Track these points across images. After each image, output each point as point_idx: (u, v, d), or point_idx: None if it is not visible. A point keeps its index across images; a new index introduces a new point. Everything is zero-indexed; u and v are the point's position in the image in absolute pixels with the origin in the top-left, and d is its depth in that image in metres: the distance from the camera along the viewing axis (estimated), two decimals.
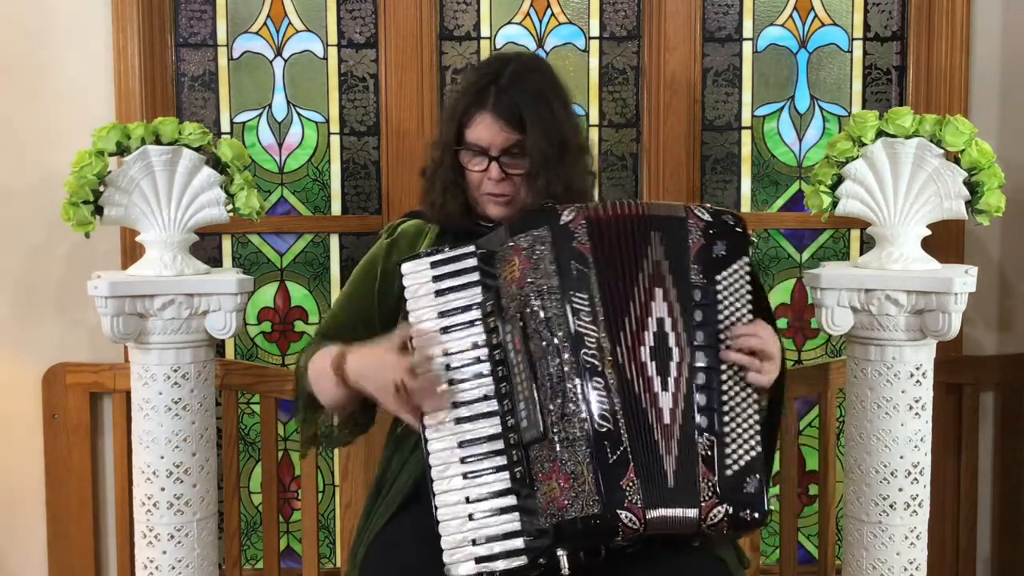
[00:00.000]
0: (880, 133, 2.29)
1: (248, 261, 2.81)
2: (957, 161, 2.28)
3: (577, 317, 1.68)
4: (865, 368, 2.34)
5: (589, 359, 1.66)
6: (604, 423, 1.64)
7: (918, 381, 2.32)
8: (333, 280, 2.81)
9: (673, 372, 1.69)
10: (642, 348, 1.70)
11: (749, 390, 1.73)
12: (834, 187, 2.33)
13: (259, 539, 2.78)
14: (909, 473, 2.32)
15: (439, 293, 1.79)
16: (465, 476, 1.71)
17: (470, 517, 1.69)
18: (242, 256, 2.81)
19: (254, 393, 2.74)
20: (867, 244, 2.72)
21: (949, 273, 2.28)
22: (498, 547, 1.67)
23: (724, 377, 1.72)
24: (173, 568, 2.35)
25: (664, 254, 1.75)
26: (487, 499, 1.69)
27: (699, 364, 1.71)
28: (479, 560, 1.67)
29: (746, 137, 2.81)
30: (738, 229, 1.79)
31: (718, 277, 1.75)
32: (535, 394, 1.67)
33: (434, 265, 1.80)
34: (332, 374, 1.84)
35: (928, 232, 2.35)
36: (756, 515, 1.67)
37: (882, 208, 2.31)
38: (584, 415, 1.64)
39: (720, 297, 1.74)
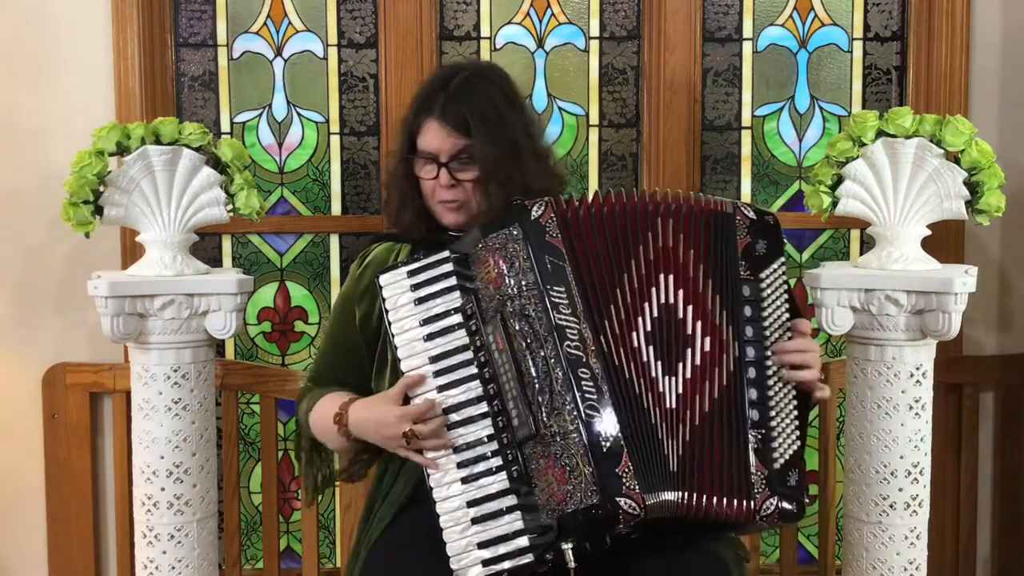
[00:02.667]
0: (880, 133, 2.29)
1: (248, 261, 2.81)
2: (957, 161, 2.28)
3: (556, 311, 1.69)
4: (865, 368, 2.34)
5: (572, 351, 1.67)
6: (593, 412, 1.65)
7: (918, 381, 2.32)
8: (333, 280, 2.81)
9: (694, 360, 1.72)
10: (634, 333, 1.71)
11: (790, 386, 1.77)
12: (834, 187, 2.33)
13: (259, 539, 2.78)
14: (909, 473, 2.32)
15: (419, 301, 1.80)
16: (463, 481, 1.71)
17: (473, 521, 1.69)
18: (242, 256, 2.81)
19: (254, 393, 2.74)
20: (867, 244, 2.72)
21: (949, 273, 2.28)
22: (503, 548, 1.67)
23: (769, 373, 1.75)
24: (173, 568, 2.35)
25: (689, 243, 1.76)
26: (487, 501, 1.69)
27: (749, 357, 1.73)
28: (486, 563, 1.67)
29: (746, 137, 2.81)
30: (778, 229, 1.84)
31: (762, 275, 1.79)
32: (523, 392, 1.68)
33: (411, 274, 1.82)
34: (337, 435, 1.86)
35: (928, 232, 2.35)
36: (797, 508, 1.70)
37: (882, 208, 2.31)
38: (572, 407, 1.65)
39: (764, 294, 1.78)
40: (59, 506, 2.73)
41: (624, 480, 1.62)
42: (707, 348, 1.73)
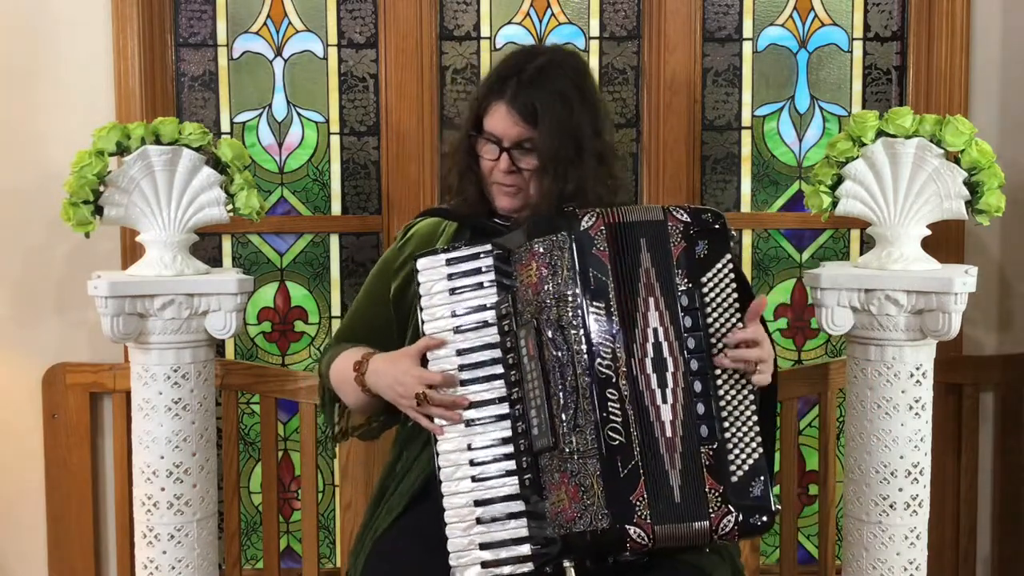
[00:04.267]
0: (880, 133, 2.29)
1: (248, 261, 2.81)
2: (957, 161, 2.28)
3: (594, 326, 1.66)
4: (865, 368, 2.34)
5: (604, 370, 1.65)
6: (616, 436, 1.62)
7: (918, 381, 2.32)
8: (333, 280, 2.81)
9: (670, 383, 1.67)
10: (646, 360, 1.68)
11: (745, 391, 1.71)
12: (834, 187, 2.33)
13: (259, 539, 2.78)
14: (909, 473, 2.32)
15: (453, 292, 1.79)
16: (474, 479, 1.71)
17: (478, 520, 1.69)
18: (242, 256, 2.81)
19: (254, 393, 2.74)
20: (867, 244, 2.72)
21: (949, 273, 2.28)
22: (505, 552, 1.67)
23: (719, 382, 1.69)
24: (173, 568, 2.35)
25: (651, 261, 1.71)
26: (496, 503, 1.69)
27: (693, 369, 1.68)
28: (485, 565, 1.67)
29: (746, 137, 2.81)
30: (717, 226, 1.74)
31: (703, 279, 1.72)
32: (548, 402, 1.66)
33: (449, 263, 1.80)
34: (353, 383, 1.86)
35: (928, 232, 2.35)
36: (764, 519, 1.66)
37: (882, 208, 2.31)
38: (595, 427, 1.62)
39: (708, 299, 1.71)
40: (59, 506, 2.73)
41: (637, 508, 1.60)
42: (672, 369, 1.68)
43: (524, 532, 1.67)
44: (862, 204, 2.32)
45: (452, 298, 1.78)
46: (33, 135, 2.66)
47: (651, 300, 1.70)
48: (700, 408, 1.67)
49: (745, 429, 1.68)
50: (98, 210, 2.29)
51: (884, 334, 2.30)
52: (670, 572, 1.72)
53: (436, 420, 1.74)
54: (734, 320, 1.72)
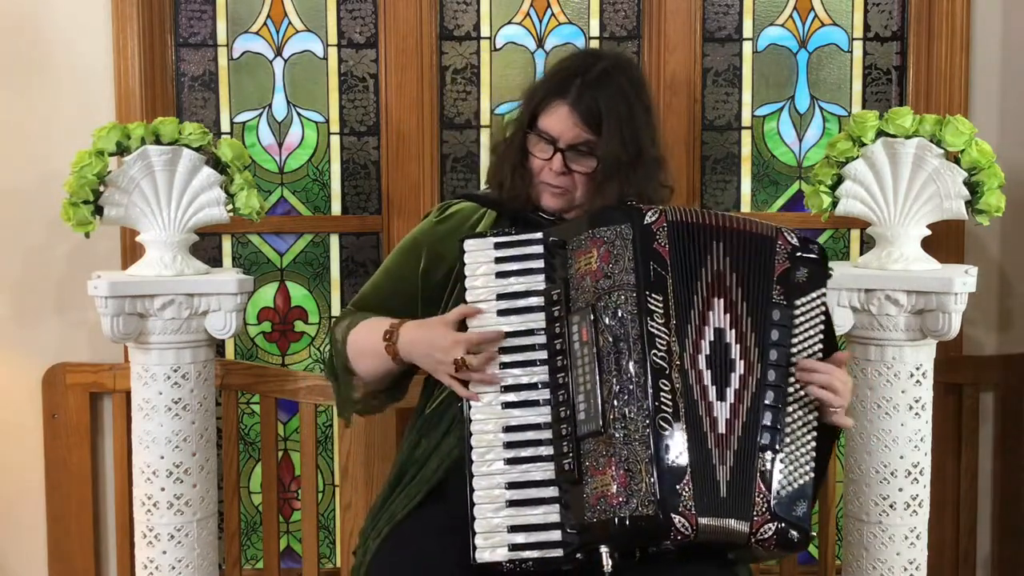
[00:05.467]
0: (880, 133, 2.29)
1: (248, 261, 2.81)
2: (957, 161, 2.28)
3: (651, 318, 1.67)
4: (865, 368, 2.34)
5: (658, 360, 1.66)
6: (667, 426, 1.63)
7: (918, 381, 2.32)
8: (333, 280, 2.81)
9: (734, 383, 1.70)
10: (700, 356, 1.70)
11: (811, 418, 1.74)
12: (834, 187, 2.33)
13: (259, 539, 2.78)
14: (909, 473, 2.32)
15: (500, 275, 1.79)
16: (507, 462, 1.70)
17: (508, 503, 1.68)
18: (242, 256, 2.81)
19: (254, 393, 2.74)
20: (867, 244, 2.72)
21: (949, 273, 2.28)
22: (534, 537, 1.66)
23: (791, 399, 1.72)
24: (173, 568, 2.35)
25: (732, 266, 1.74)
26: (528, 487, 1.69)
27: (769, 381, 1.71)
28: (512, 548, 1.66)
29: (746, 137, 2.81)
30: (821, 260, 1.80)
31: (798, 302, 1.76)
32: (598, 388, 1.66)
33: (498, 247, 1.80)
34: (381, 349, 1.84)
35: (928, 232, 2.35)
36: (801, 538, 1.68)
37: (882, 208, 2.31)
38: (647, 415, 1.63)
39: (798, 321, 1.75)
40: (59, 506, 2.73)
41: (683, 498, 1.60)
42: (742, 371, 1.71)
43: (556, 518, 1.66)
44: (862, 204, 2.32)
45: (497, 281, 1.78)
46: (33, 135, 2.66)
47: (717, 301, 1.73)
48: (767, 418, 1.70)
49: (802, 451, 1.72)
50: (98, 210, 2.30)
51: (884, 334, 2.30)
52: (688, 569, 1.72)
53: (473, 387, 1.74)
54: (816, 351, 1.76)
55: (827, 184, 2.33)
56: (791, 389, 1.73)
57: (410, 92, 2.71)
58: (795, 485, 1.69)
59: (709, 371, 1.70)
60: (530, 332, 1.75)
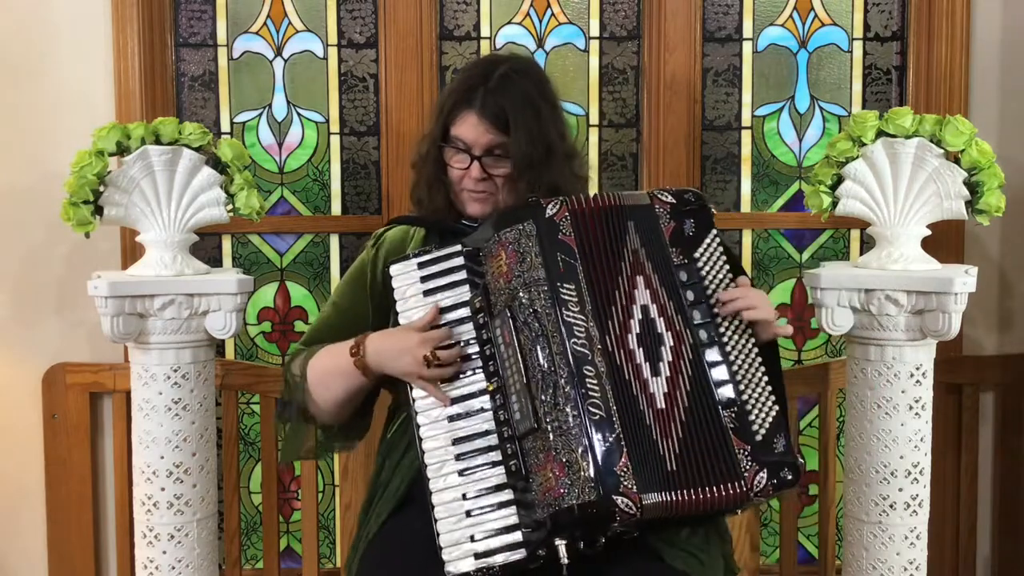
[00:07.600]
0: (880, 133, 2.29)
1: (248, 261, 2.81)
2: (957, 161, 2.28)
3: (565, 307, 1.70)
4: (865, 368, 2.34)
5: (579, 348, 1.68)
6: (596, 411, 1.65)
7: (918, 381, 2.32)
8: (333, 280, 2.81)
9: (667, 356, 1.72)
10: (629, 336, 1.72)
11: (753, 354, 1.75)
12: (834, 187, 2.33)
13: (259, 539, 2.78)
14: (909, 473, 2.32)
15: (427, 293, 1.83)
16: (460, 473, 1.72)
17: (467, 514, 1.70)
18: (242, 256, 2.81)
19: (254, 393, 2.74)
20: (867, 244, 2.72)
21: (949, 273, 2.28)
22: (496, 542, 1.68)
23: (728, 348, 1.74)
24: (173, 568, 2.35)
25: (640, 242, 1.78)
26: (484, 495, 1.71)
27: (703, 340, 1.73)
28: (478, 556, 1.68)
29: (746, 137, 2.81)
30: (700, 203, 1.83)
31: (696, 255, 1.79)
32: (527, 385, 1.69)
33: (421, 266, 1.84)
34: (350, 366, 1.84)
35: (928, 232, 2.35)
36: (792, 473, 1.69)
37: (882, 208, 2.31)
38: (575, 404, 1.65)
39: (704, 272, 1.78)
40: (59, 506, 2.73)
41: (623, 479, 1.62)
42: (671, 343, 1.73)
43: (514, 520, 1.68)
44: (862, 204, 2.32)
45: (427, 299, 1.82)
46: (33, 135, 2.66)
47: (639, 279, 1.75)
48: (717, 374, 1.71)
49: (760, 389, 1.72)
50: (98, 210, 2.29)
51: (884, 334, 2.30)
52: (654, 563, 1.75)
53: (451, 377, 1.76)
54: (728, 287, 1.79)
55: (827, 184, 2.33)
56: (726, 338, 1.74)
57: (410, 92, 2.72)
58: (768, 424, 1.70)
59: (641, 349, 1.71)
60: (465, 343, 1.78)
